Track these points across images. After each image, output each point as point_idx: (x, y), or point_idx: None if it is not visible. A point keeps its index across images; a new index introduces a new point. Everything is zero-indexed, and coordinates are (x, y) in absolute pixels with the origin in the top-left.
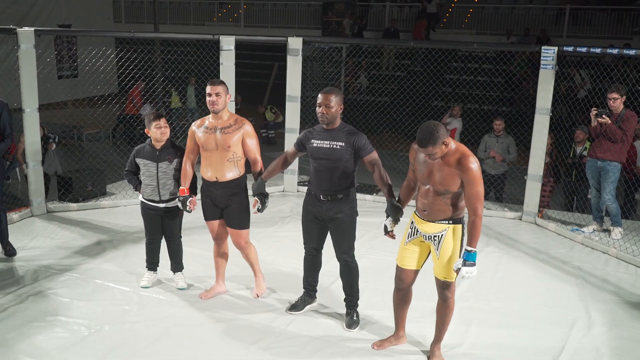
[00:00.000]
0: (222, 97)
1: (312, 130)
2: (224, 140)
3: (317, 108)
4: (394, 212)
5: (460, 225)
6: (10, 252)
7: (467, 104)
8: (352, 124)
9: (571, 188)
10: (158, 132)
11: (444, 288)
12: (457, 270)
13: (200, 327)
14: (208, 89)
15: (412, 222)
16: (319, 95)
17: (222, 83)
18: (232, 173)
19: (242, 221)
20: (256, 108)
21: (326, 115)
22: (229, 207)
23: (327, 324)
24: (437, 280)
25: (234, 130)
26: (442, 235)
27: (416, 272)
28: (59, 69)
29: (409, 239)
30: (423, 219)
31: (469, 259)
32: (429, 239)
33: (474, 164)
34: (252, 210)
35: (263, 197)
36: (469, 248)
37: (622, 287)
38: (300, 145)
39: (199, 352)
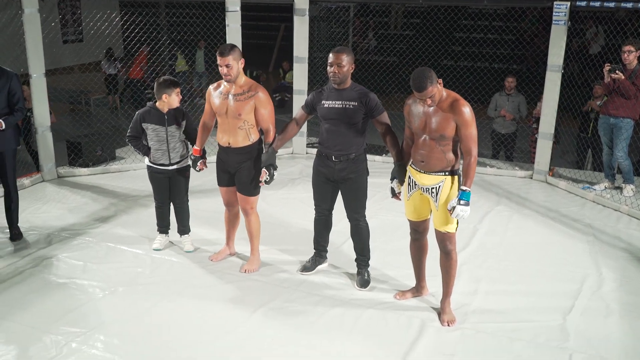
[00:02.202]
0: (234, 67)
1: (322, 90)
2: (235, 108)
3: (328, 68)
4: (400, 174)
5: (457, 176)
6: (15, 236)
7: (477, 62)
8: (360, 84)
9: (586, 143)
10: (177, 99)
11: (445, 240)
12: (452, 209)
13: (212, 288)
14: (218, 60)
15: (409, 176)
16: (330, 55)
17: (231, 50)
18: (244, 140)
19: (250, 188)
20: (282, 64)
21: (338, 75)
22: (239, 172)
23: (339, 283)
24: (437, 232)
25: (246, 98)
26: (439, 186)
27: (427, 221)
28: (64, 34)
29: (410, 192)
30: (420, 171)
31: (463, 197)
32: (426, 191)
33: (466, 107)
34: (260, 181)
35: (272, 168)
36: (464, 187)
37: (633, 244)
38: (310, 107)
39: (212, 312)
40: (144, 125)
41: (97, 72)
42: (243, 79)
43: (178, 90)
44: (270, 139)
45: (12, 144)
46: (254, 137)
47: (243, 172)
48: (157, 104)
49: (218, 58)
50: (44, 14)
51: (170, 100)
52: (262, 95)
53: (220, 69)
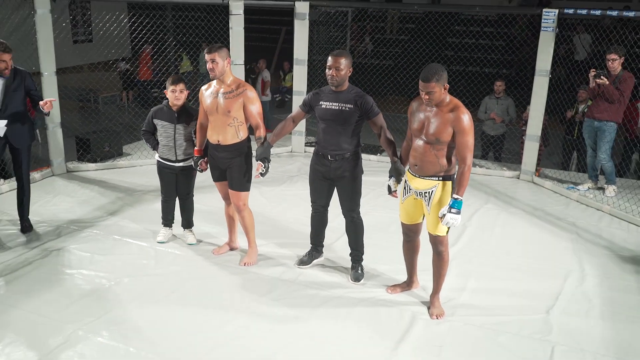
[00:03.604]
0: (219, 64)
1: (320, 91)
2: (225, 106)
3: (327, 70)
4: (397, 173)
5: (450, 182)
6: (26, 228)
7: (469, 66)
8: (357, 86)
9: (571, 145)
10: (172, 95)
11: (437, 242)
12: (442, 217)
13: (214, 280)
14: (205, 56)
15: (405, 180)
16: (329, 58)
17: (219, 49)
18: (233, 137)
19: (241, 184)
20: (283, 64)
21: (335, 78)
22: (230, 169)
23: (334, 277)
24: (430, 235)
25: (235, 96)
26: (432, 191)
27: (420, 224)
28: (74, 34)
29: (404, 196)
30: (414, 175)
31: (454, 206)
32: (420, 195)
33: (465, 114)
34: (255, 173)
35: (266, 161)
36: (456, 196)
37: (614, 242)
38: (307, 106)
39: (213, 302)
40: (155, 121)
41: (106, 72)
42: (230, 78)
43: (175, 87)
44: (260, 133)
45: (27, 139)
46: (243, 134)
47: (234, 168)
48: (169, 102)
49: (205, 54)
50: (55, 14)
51: (169, 96)
52: (250, 93)
53: (207, 65)
